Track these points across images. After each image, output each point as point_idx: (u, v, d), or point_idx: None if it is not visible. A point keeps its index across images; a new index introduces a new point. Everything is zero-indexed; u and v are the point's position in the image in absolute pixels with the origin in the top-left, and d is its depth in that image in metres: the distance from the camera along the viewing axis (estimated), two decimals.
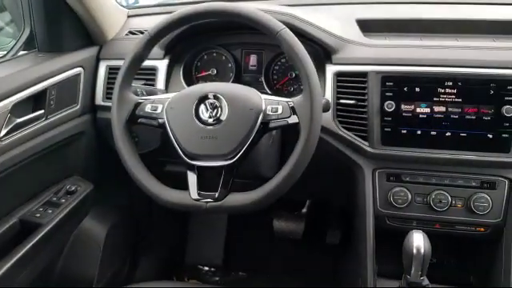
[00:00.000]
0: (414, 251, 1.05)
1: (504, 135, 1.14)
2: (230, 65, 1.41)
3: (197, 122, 1.04)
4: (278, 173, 1.02)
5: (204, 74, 1.43)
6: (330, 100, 1.23)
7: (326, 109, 1.13)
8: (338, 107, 1.23)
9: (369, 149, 1.21)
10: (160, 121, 1.08)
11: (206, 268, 2.01)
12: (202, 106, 1.05)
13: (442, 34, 1.31)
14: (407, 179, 1.22)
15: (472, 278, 1.34)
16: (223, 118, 1.02)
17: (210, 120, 1.03)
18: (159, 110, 1.08)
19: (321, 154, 1.29)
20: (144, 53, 1.10)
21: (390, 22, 1.35)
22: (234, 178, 1.05)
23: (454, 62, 1.17)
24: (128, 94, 1.11)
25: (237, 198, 1.03)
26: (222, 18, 1.08)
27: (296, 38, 1.03)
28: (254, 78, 1.40)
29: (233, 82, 1.38)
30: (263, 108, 1.03)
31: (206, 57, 1.43)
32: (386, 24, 1.35)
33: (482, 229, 1.19)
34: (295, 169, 1.00)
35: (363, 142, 1.22)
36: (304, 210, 1.94)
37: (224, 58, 1.41)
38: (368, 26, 1.33)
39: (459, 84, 1.15)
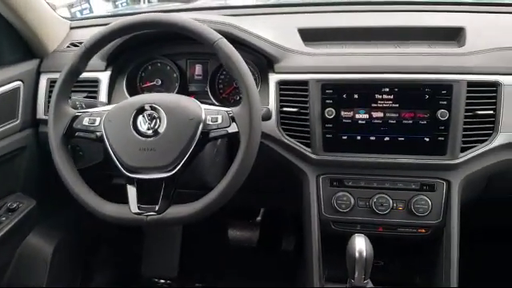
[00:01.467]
0: (357, 255, 1.07)
1: (440, 138, 1.17)
2: (175, 75, 1.40)
3: (135, 134, 1.03)
4: (219, 183, 1.02)
5: (149, 84, 1.41)
6: (274, 108, 1.24)
7: (266, 117, 1.15)
8: (282, 115, 1.24)
9: (312, 155, 1.23)
10: (98, 134, 1.06)
11: (162, 281, 1.98)
12: (141, 118, 1.04)
13: (382, 41, 1.34)
14: (350, 184, 1.24)
15: (418, 279, 1.37)
16: (162, 129, 1.02)
17: (149, 132, 1.03)
18: (97, 123, 1.07)
19: (268, 162, 1.30)
20: (80, 65, 1.09)
21: (331, 30, 1.38)
22: (177, 190, 1.05)
23: (391, 69, 1.20)
24: (65, 107, 1.09)
25: (178, 210, 1.03)
26: (158, 28, 1.08)
27: (233, 48, 1.03)
28: (200, 87, 1.40)
29: (178, 92, 1.37)
30: (203, 118, 1.03)
31: (150, 67, 1.42)
32: (327, 33, 1.37)
33: (423, 230, 1.22)
34: (236, 178, 1.01)
35: (306, 148, 1.23)
36: (259, 218, 1.95)
37: (169, 68, 1.41)
38: (309, 35, 1.35)
39: (396, 90, 1.18)
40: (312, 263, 1.24)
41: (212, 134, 1.04)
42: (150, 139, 1.02)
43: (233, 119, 1.02)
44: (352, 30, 1.37)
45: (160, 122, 1.02)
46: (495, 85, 1.16)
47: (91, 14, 2.27)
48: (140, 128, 1.03)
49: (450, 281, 1.18)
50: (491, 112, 1.16)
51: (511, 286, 1.63)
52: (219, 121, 1.03)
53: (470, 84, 1.16)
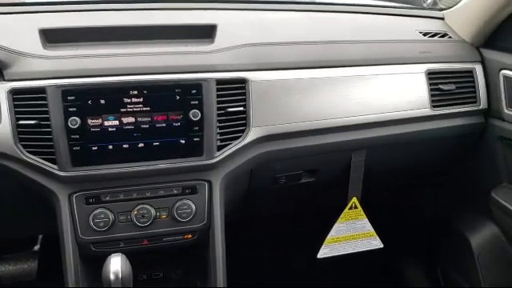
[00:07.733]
0: (112, 277, 0.97)
1: (195, 139, 1.14)
2: None
3: None
4: None
5: None
6: (8, 122, 1.06)
7: None
8: (20, 129, 1.07)
9: (59, 172, 1.08)
10: None
11: None
12: None
13: (135, 40, 1.26)
14: (107, 199, 1.13)
15: (198, 283, 1.33)
16: None
17: None
18: None
19: (12, 186, 1.12)
20: None
21: (79, 30, 1.23)
22: None
23: (138, 70, 1.12)
24: None
25: None
26: None
27: None
28: None
29: None
30: None
31: None
32: (74, 33, 1.23)
33: (190, 236, 1.18)
34: None
35: (52, 165, 1.08)
36: (37, 247, 1.72)
37: None
38: (54, 36, 1.19)
39: (145, 92, 1.11)
40: None
41: None
42: None
43: None
44: (102, 29, 1.25)
45: None
46: (243, 81, 1.18)
47: None
48: None
49: (216, 281, 1.16)
50: (242, 109, 1.17)
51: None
52: None
53: (219, 82, 1.15)
